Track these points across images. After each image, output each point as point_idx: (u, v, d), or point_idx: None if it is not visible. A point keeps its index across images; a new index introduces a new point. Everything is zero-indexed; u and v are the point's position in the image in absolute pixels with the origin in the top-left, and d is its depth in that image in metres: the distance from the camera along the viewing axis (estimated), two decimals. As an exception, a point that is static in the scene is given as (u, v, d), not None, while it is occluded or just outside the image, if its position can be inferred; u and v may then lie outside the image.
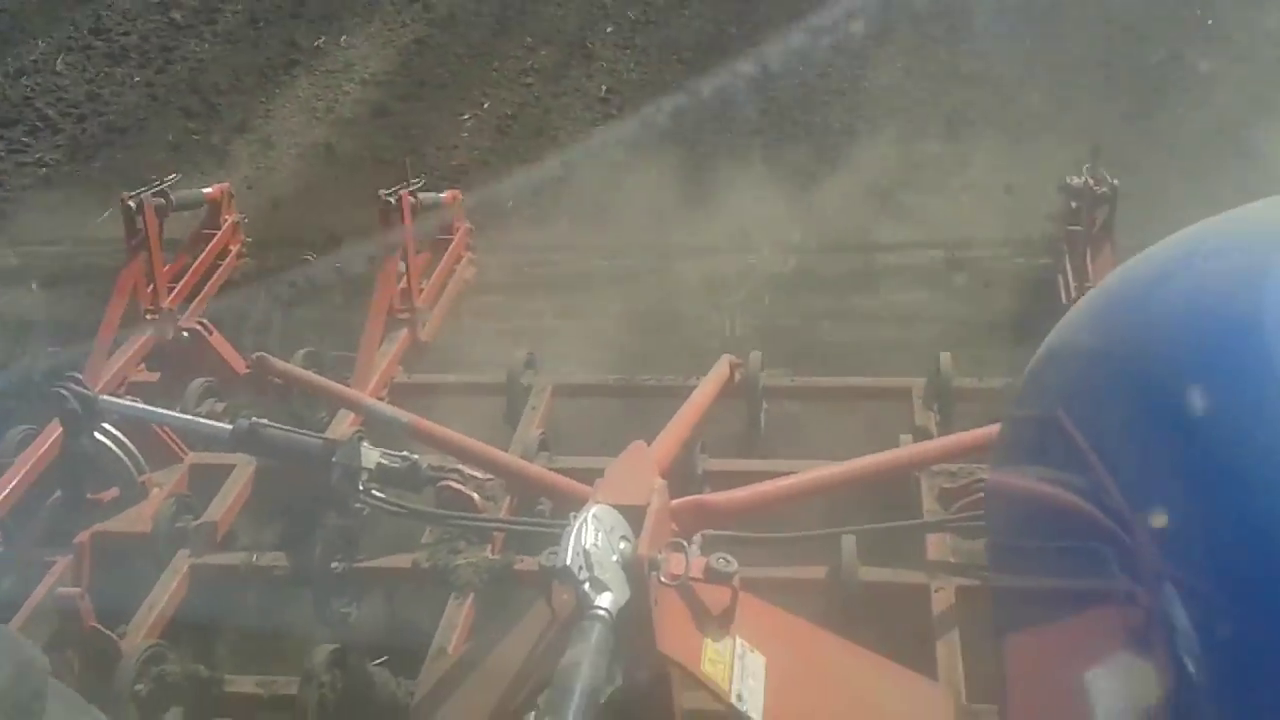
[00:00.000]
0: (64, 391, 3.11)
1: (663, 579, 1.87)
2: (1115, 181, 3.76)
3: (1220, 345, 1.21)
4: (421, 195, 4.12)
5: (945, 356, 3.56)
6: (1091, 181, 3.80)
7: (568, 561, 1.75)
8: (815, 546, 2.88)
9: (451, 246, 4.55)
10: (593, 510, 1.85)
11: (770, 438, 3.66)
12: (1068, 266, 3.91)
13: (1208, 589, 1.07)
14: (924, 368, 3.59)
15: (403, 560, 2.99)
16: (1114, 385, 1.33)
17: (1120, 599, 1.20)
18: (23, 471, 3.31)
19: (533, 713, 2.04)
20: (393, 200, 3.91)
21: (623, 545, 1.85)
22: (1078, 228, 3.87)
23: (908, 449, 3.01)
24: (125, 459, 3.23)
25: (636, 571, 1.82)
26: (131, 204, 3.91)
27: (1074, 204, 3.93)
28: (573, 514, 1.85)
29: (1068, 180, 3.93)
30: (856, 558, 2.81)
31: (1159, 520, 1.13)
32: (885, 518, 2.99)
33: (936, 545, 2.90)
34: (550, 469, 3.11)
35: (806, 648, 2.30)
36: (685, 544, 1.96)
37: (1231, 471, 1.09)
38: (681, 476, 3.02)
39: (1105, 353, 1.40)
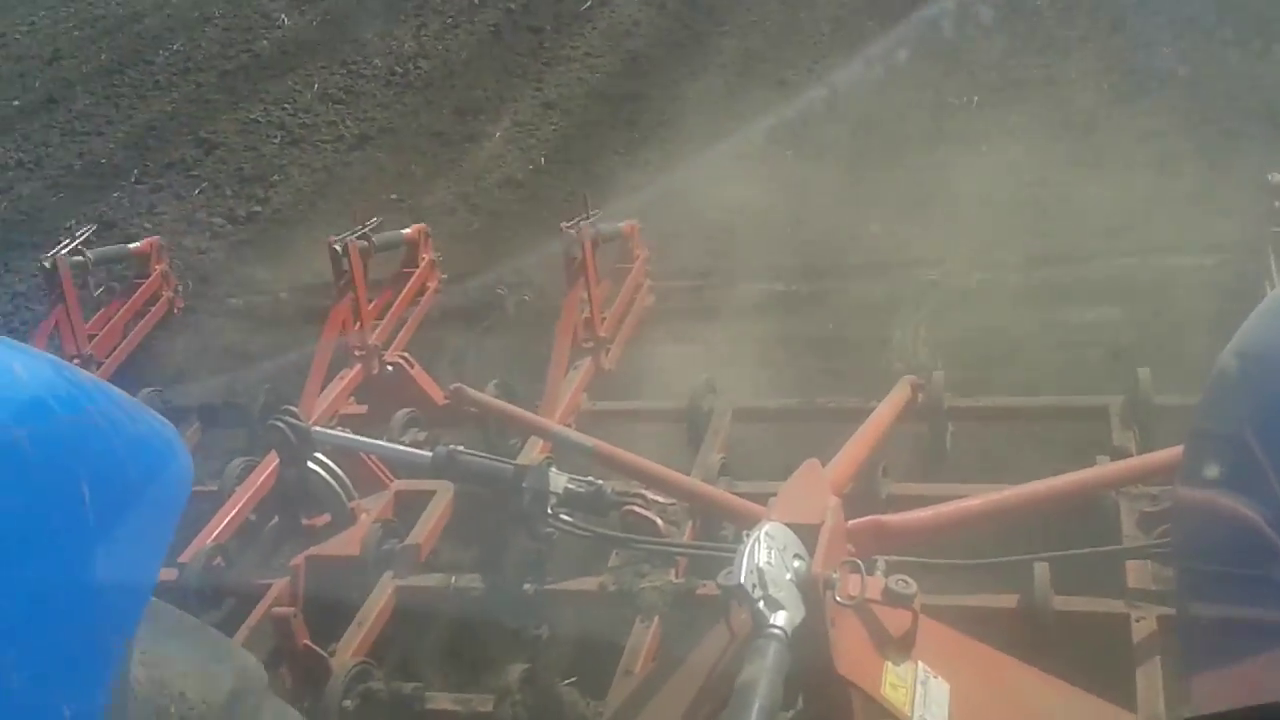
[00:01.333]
0: (281, 424, 3.35)
1: (838, 599, 1.87)
2: None
3: None
4: (602, 226, 4.23)
5: (1144, 373, 3.40)
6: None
7: (741, 579, 1.77)
8: (1004, 574, 2.81)
9: (631, 275, 4.65)
10: (765, 528, 1.86)
11: (957, 461, 3.58)
12: (1272, 269, 3.67)
13: None
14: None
15: (590, 583, 3.07)
16: None
17: None
18: (243, 500, 3.58)
19: None
20: (573, 232, 4.04)
21: (796, 564, 1.86)
22: (1280, 229, 3.64)
23: (1100, 469, 2.89)
24: (336, 487, 3.44)
25: (811, 590, 1.83)
26: (338, 247, 4.19)
27: (1277, 203, 3.69)
28: (745, 532, 1.88)
29: (1270, 177, 3.70)
30: (1049, 586, 2.71)
31: None
32: (1080, 544, 2.88)
33: (1137, 572, 2.78)
34: (731, 493, 3.14)
35: (995, 675, 2.24)
36: (861, 565, 1.95)
37: None
38: (863, 499, 3.00)
39: None
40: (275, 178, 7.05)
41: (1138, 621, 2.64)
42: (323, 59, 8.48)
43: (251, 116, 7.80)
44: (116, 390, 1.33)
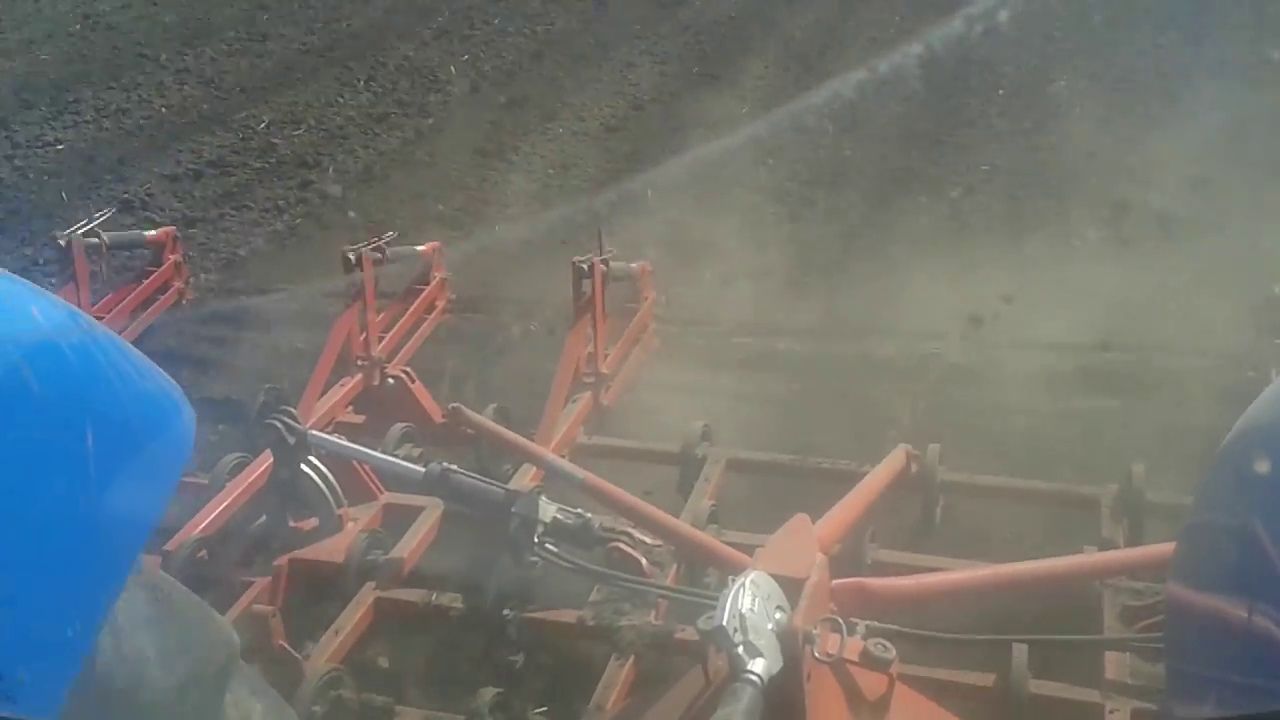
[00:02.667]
0: (278, 424, 3.36)
1: (817, 654, 1.88)
2: None
3: None
4: (613, 264, 4.27)
5: (1138, 468, 3.42)
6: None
7: (723, 622, 1.78)
8: (982, 652, 2.81)
9: (638, 315, 4.69)
10: (751, 576, 1.88)
11: (945, 535, 3.59)
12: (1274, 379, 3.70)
13: None
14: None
15: (569, 615, 3.07)
16: None
17: None
18: (233, 495, 3.57)
19: None
20: (585, 267, 4.08)
21: (779, 615, 1.87)
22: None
23: (1087, 557, 2.91)
24: (327, 492, 3.44)
25: (790, 642, 1.84)
26: (351, 256, 4.22)
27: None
28: (730, 578, 1.89)
29: (1275, 289, 3.75)
30: (1027, 668, 2.72)
31: None
32: (1060, 631, 2.89)
33: (1115, 665, 2.78)
34: (719, 540, 3.15)
35: (964, 750, 2.25)
36: (842, 624, 1.97)
37: None
38: (849, 563, 3.01)
39: None
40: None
41: (1111, 713, 2.65)
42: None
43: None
44: (130, 347, 1.38)
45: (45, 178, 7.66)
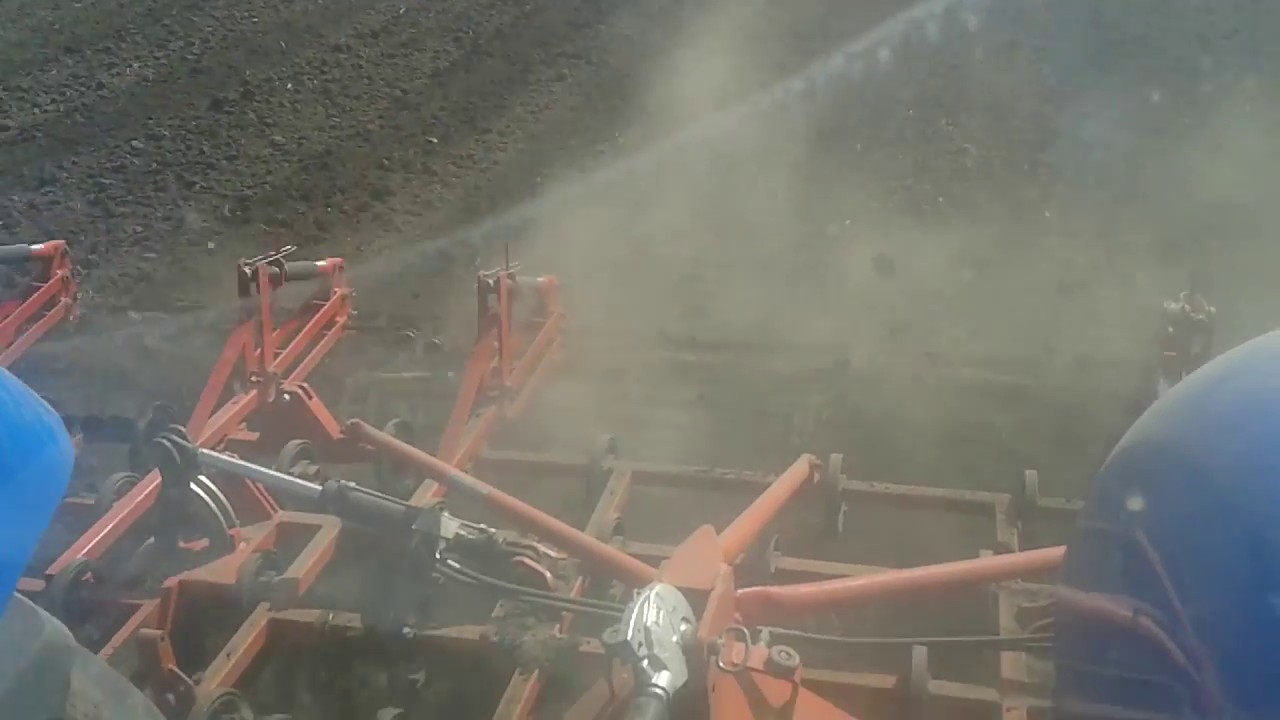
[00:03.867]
0: (166, 443, 3.25)
1: (721, 664, 1.88)
2: (1212, 309, 3.71)
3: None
4: (520, 278, 4.25)
5: (1031, 475, 3.51)
6: (1188, 308, 3.76)
7: (628, 637, 1.77)
8: (884, 655, 2.85)
9: (544, 329, 4.67)
10: (656, 589, 1.88)
11: (848, 542, 3.63)
12: (1161, 392, 3.85)
13: None
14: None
15: (472, 632, 3.02)
16: (1177, 491, 1.32)
17: None
18: (119, 517, 3.45)
19: None
20: (491, 280, 4.05)
21: (684, 627, 1.87)
22: (1172, 354, 3.81)
23: (982, 561, 2.97)
24: (217, 512, 3.34)
25: (695, 654, 1.84)
26: (247, 270, 4.12)
27: (1171, 329, 3.88)
28: (635, 591, 1.88)
29: (1166, 305, 3.90)
30: (927, 669, 2.76)
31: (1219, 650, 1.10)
32: (959, 632, 2.94)
33: (1011, 664, 2.84)
34: (624, 553, 3.14)
35: (867, 753, 2.27)
36: (747, 634, 1.97)
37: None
38: (754, 572, 3.03)
39: (1169, 459, 1.39)
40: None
41: (1008, 711, 2.70)
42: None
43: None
44: (5, 373, 1.32)
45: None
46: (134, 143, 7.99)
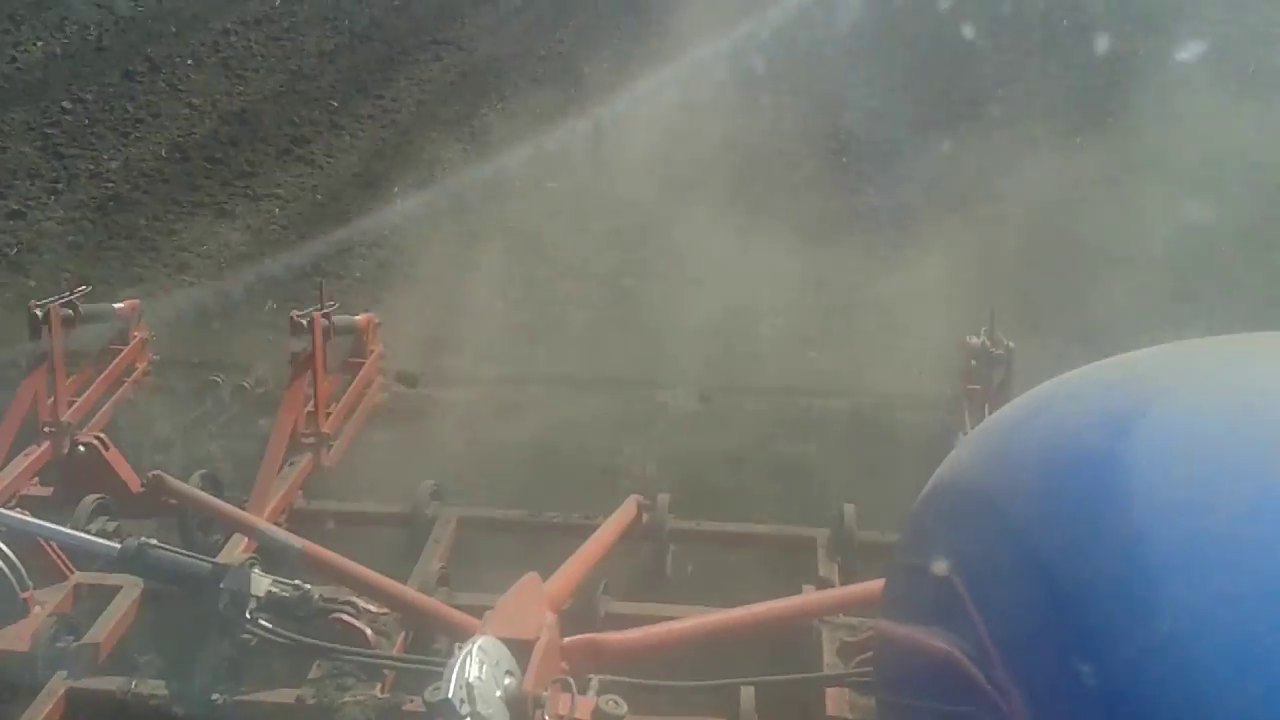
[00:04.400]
0: (-54, 502, 3.01)
1: (547, 718, 1.84)
2: (1011, 344, 3.91)
3: (1080, 484, 1.25)
4: (335, 318, 4.12)
5: (849, 509, 3.60)
6: (988, 343, 3.95)
7: (449, 694, 1.72)
8: (713, 697, 2.85)
9: (363, 371, 4.54)
10: (479, 642, 1.83)
11: (678, 582, 3.64)
12: (967, 424, 4.02)
13: None
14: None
15: (287, 695, 2.88)
16: (981, 528, 1.37)
17: None
18: (-105, 582, 3.16)
19: None
20: (305, 321, 3.91)
21: (508, 680, 1.82)
22: (976, 386, 3.99)
23: (805, 597, 3.02)
24: (8, 573, 3.10)
25: (520, 709, 1.80)
26: (38, 313, 3.86)
27: (973, 362, 4.07)
28: (458, 645, 1.82)
29: (966, 339, 4.08)
30: (754, 710, 2.77)
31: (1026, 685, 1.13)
32: (787, 670, 2.98)
33: (835, 700, 2.88)
34: (450, 605, 3.06)
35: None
36: (573, 684, 1.93)
37: (1082, 628, 1.11)
38: (583, 617, 2.99)
39: (974, 496, 1.44)
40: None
41: None
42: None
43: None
44: None
45: None
46: (63, 104, 8.70)
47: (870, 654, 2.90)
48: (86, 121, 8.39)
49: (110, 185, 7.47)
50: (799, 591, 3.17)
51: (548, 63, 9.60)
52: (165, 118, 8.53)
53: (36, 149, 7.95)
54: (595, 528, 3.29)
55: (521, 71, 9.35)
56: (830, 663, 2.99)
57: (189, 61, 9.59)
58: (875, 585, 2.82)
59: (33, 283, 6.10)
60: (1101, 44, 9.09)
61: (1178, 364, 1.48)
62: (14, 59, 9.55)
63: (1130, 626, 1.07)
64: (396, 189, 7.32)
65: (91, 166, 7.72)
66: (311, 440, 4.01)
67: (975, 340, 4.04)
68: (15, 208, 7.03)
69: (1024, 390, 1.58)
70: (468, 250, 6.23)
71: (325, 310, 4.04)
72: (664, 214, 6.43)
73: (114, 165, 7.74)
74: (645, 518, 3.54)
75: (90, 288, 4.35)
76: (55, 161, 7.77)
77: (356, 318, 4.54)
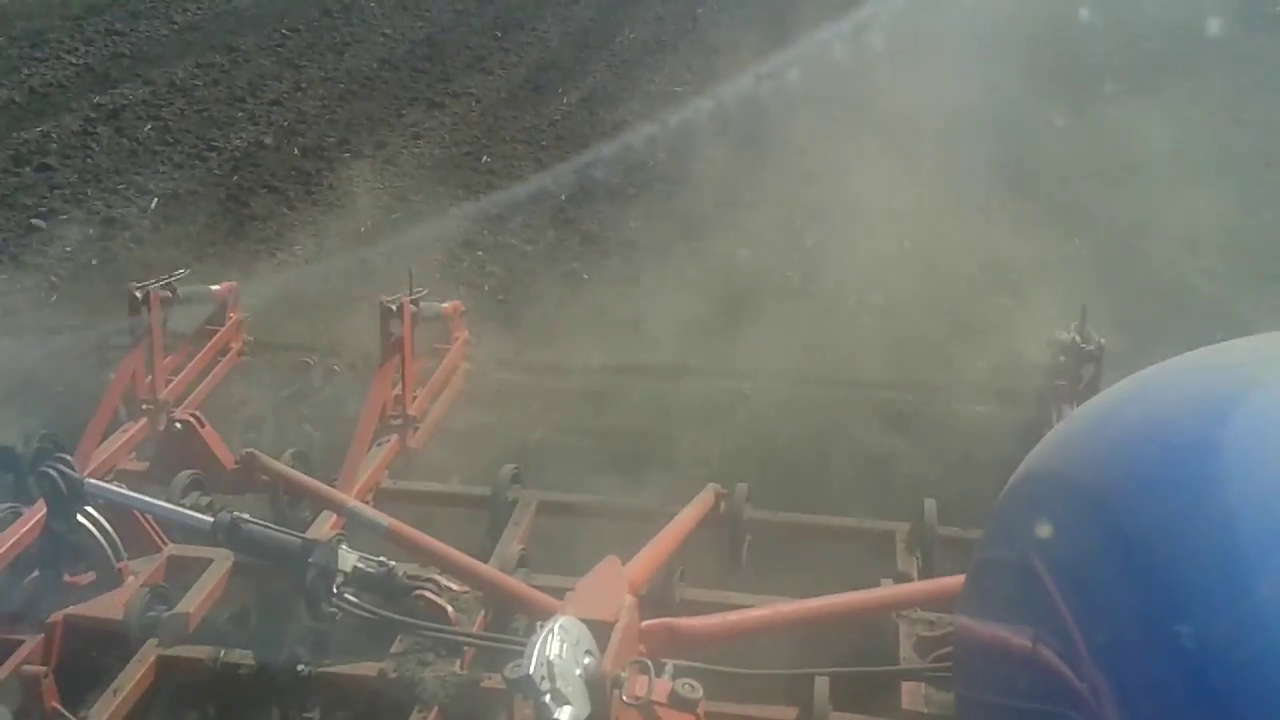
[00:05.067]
0: (52, 473, 3.13)
1: (625, 698, 1.86)
2: (1102, 340, 3.83)
3: (1173, 470, 1.23)
4: (423, 304, 4.19)
5: (929, 503, 3.56)
6: (1079, 338, 3.87)
7: (530, 671, 1.74)
8: (786, 686, 2.85)
9: (449, 356, 4.61)
10: (560, 621, 1.85)
11: (753, 572, 3.64)
12: (1054, 419, 3.95)
13: None
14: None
15: (370, 668, 2.95)
16: (1070, 518, 1.35)
17: None
18: (2, 549, 3.30)
19: None
20: (393, 307, 3.99)
21: (587, 660, 1.85)
22: (1063, 383, 3.92)
23: (882, 590, 3.00)
24: (105, 544, 3.22)
25: (598, 688, 1.82)
26: (138, 294, 3.99)
27: (1061, 358, 3.99)
28: (539, 624, 1.85)
29: (1056, 335, 4.01)
30: (829, 701, 2.77)
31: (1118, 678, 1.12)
32: (861, 663, 2.96)
33: (911, 695, 2.86)
34: (529, 585, 3.10)
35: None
36: (651, 666, 1.95)
37: (1176, 613, 1.10)
38: (659, 603, 3.01)
39: (1063, 487, 1.42)
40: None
41: None
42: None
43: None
44: None
45: None
46: (281, 31, 11.46)
47: (948, 649, 2.88)
48: (305, 45, 11.00)
49: (341, 85, 9.88)
50: (875, 585, 3.15)
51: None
52: (366, 43, 11.12)
53: (271, 61, 10.48)
54: (672, 514, 3.31)
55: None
56: (906, 657, 2.97)
57: (372, 4, 12.54)
58: (955, 580, 2.80)
59: (305, 140, 8.43)
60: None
61: (1272, 352, 1.45)
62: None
63: (1225, 610, 1.05)
64: (561, 90, 9.80)
65: (321, 73, 10.18)
66: (399, 422, 4.09)
67: (1065, 335, 3.97)
68: (272, 98, 9.45)
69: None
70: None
71: (414, 297, 4.12)
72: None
73: (339, 72, 10.18)
74: (723, 506, 3.55)
75: (189, 270, 4.48)
76: (291, 70, 10.23)
77: (443, 305, 4.61)
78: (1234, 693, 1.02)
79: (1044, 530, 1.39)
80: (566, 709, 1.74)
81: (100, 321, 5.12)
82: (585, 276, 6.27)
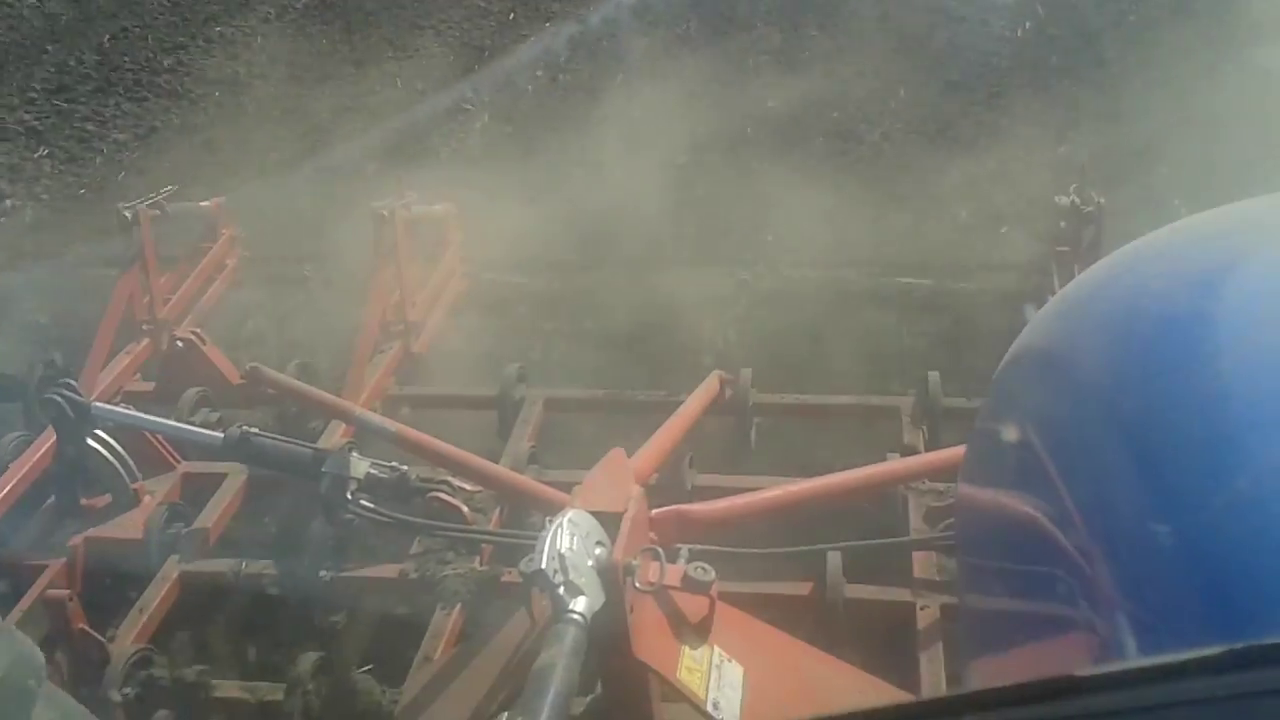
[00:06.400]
0: (58, 398, 3.14)
1: (638, 585, 1.88)
2: (1101, 200, 3.78)
3: (1163, 344, 1.22)
4: (415, 208, 4.15)
5: (933, 376, 3.57)
6: (1078, 201, 3.82)
7: (543, 565, 1.76)
8: (800, 563, 2.90)
9: (445, 259, 4.58)
10: (569, 515, 1.86)
11: (761, 454, 3.67)
12: (1056, 287, 3.92)
13: (1157, 620, 1.07)
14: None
15: (390, 570, 3.00)
16: (1062, 391, 1.35)
17: (1080, 628, 1.19)
18: (16, 477, 3.34)
19: (505, 714, 2.06)
20: (386, 213, 3.95)
21: (598, 551, 1.87)
22: (1065, 248, 3.88)
23: (889, 464, 3.02)
24: (118, 466, 3.25)
25: (611, 576, 1.84)
26: (127, 214, 3.95)
27: (1062, 224, 3.95)
28: (548, 519, 1.87)
29: (1056, 199, 3.96)
30: (842, 574, 2.81)
31: (1109, 546, 1.13)
32: (872, 536, 3.00)
33: (922, 564, 2.91)
34: (540, 481, 3.13)
35: (786, 660, 2.31)
36: (661, 553, 1.98)
37: (1162, 487, 1.10)
38: (670, 490, 3.05)
39: (1056, 359, 1.42)
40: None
41: (922, 609, 2.78)
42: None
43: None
44: None
45: None
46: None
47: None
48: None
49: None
50: (883, 460, 3.17)
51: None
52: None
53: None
54: (678, 404, 3.32)
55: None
56: (917, 528, 3.01)
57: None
58: (960, 451, 2.81)
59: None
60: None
61: (1269, 218, 1.42)
62: None
63: (1211, 486, 1.06)
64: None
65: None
66: (400, 328, 4.09)
67: (1064, 200, 3.91)
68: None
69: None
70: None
71: (405, 202, 4.07)
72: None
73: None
74: (728, 392, 3.56)
75: (176, 187, 4.42)
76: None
77: (436, 207, 4.56)
78: (1225, 561, 1.03)
79: (1037, 406, 1.39)
80: (581, 599, 1.77)
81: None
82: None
